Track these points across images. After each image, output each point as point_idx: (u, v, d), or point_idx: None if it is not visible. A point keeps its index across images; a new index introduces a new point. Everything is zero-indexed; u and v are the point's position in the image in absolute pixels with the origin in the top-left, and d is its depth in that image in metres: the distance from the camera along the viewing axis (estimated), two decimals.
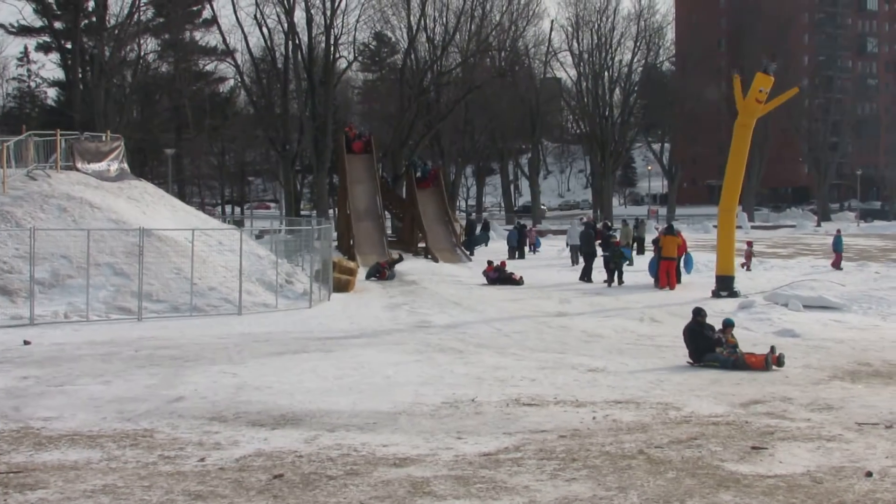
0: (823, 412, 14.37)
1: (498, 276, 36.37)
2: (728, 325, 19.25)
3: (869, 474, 10.87)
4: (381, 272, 36.96)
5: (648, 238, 49.38)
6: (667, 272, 35.17)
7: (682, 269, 36.84)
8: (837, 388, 16.38)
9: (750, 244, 46.68)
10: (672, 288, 34.68)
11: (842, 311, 27.18)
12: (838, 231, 45.88)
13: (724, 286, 31.65)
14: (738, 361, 18.10)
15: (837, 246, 41.97)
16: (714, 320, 20.30)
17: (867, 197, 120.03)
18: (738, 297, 30.34)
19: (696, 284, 34.50)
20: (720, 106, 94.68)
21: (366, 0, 78.37)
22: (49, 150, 32.69)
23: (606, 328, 24.54)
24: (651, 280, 35.92)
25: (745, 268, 42.04)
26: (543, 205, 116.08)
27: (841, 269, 40.43)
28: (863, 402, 15.12)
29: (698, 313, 19.58)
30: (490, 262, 38.38)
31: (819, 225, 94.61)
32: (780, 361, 18.08)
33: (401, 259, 39.20)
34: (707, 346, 18.80)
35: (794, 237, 72.25)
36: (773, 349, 18.64)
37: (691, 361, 18.91)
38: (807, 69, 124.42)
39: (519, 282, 35.86)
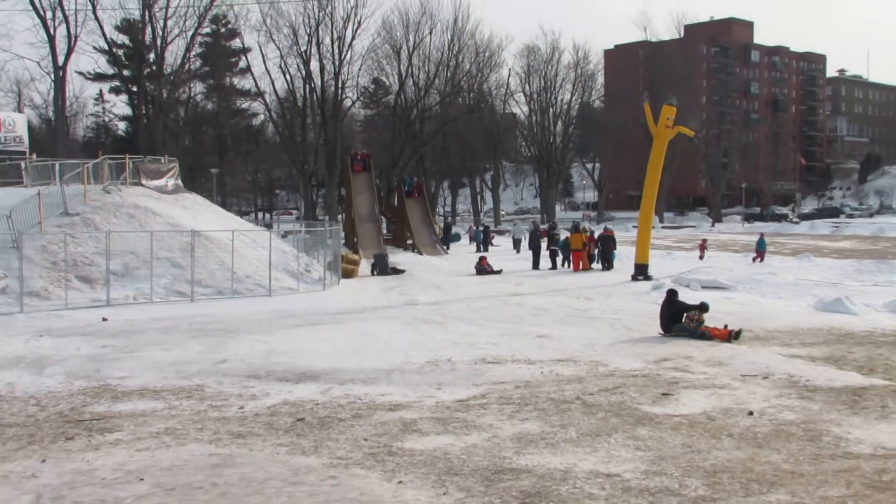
0: (716, 367, 14.46)
1: (485, 269, 35.90)
2: (703, 308, 19.08)
3: (750, 413, 10.99)
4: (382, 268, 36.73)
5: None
6: (579, 260, 36.60)
7: (597, 258, 37.34)
8: (727, 349, 16.45)
9: (704, 241, 46.98)
10: (586, 269, 36.08)
11: (730, 290, 27.30)
12: (761, 234, 45.92)
13: (641, 272, 31.71)
14: (704, 333, 17.94)
15: (761, 246, 41.98)
16: (639, 299, 20.36)
17: (749, 204, 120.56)
18: (651, 280, 30.38)
19: (620, 270, 34.53)
20: (638, 134, 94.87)
21: (366, 53, 79.31)
22: (120, 171, 32.62)
23: (551, 304, 24.59)
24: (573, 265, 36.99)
25: (700, 258, 42.27)
26: (502, 211, 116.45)
27: (763, 261, 40.32)
28: (746, 359, 15.20)
29: (672, 294, 19.48)
30: (483, 258, 37.75)
31: (713, 225, 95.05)
32: (738, 336, 17.96)
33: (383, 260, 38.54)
34: (677, 318, 18.70)
35: (695, 235, 72.33)
36: (728, 328, 18.47)
37: (662, 332, 18.62)
38: (704, 107, 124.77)
39: (498, 272, 35.60)
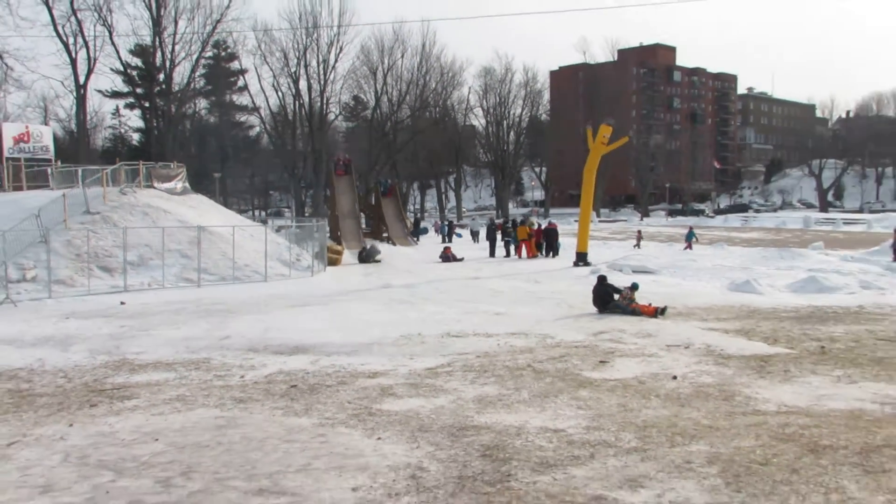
0: (645, 338, 14.57)
1: (449, 257, 36.07)
2: (634, 288, 19.18)
3: (674, 377, 11.06)
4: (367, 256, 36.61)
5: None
6: (523, 247, 37.01)
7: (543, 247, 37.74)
8: (654, 323, 16.58)
9: (639, 232, 47.26)
10: (530, 257, 36.39)
11: (657, 274, 27.47)
12: (690, 227, 46.33)
13: (581, 259, 31.90)
14: (635, 310, 17.97)
15: (689, 237, 42.31)
16: (580, 282, 20.46)
17: (672, 201, 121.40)
18: (591, 265, 30.53)
19: (564, 258, 34.72)
20: (578, 143, 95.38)
21: (346, 74, 79.65)
22: (134, 175, 32.46)
23: (505, 286, 24.66)
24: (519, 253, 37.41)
25: (636, 246, 42.49)
26: (464, 208, 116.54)
27: (691, 249, 40.45)
28: (670, 332, 15.33)
29: (602, 279, 19.55)
30: (448, 247, 38.17)
31: (642, 219, 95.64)
32: (664, 312, 18.06)
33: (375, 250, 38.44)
34: (608, 299, 18.78)
35: (627, 227, 72.82)
36: (653, 305, 18.63)
37: (598, 310, 18.63)
38: (634, 119, 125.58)
39: (460, 260, 35.67)
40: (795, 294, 22.39)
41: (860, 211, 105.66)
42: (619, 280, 21.03)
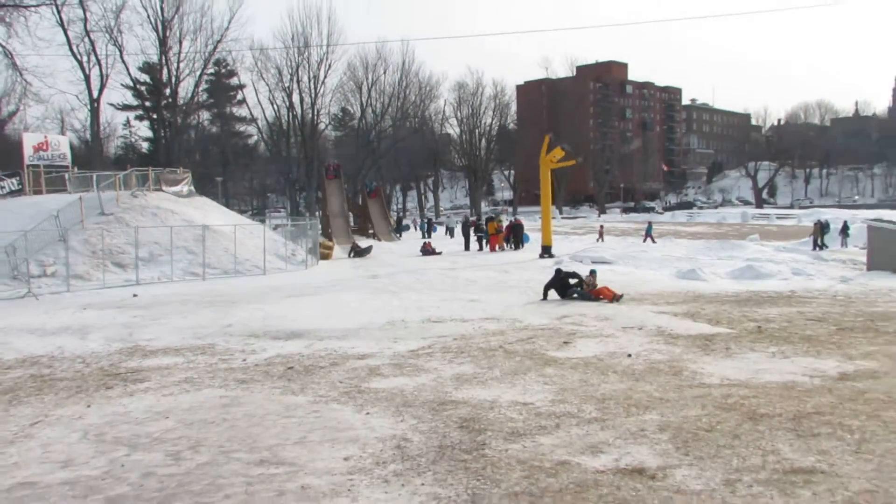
0: (603, 321, 14.63)
1: (429, 251, 36.00)
2: (592, 273, 19.24)
3: (629, 355, 11.12)
4: (360, 253, 36.40)
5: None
6: (495, 243, 37.06)
7: (513, 240, 37.90)
8: (611, 308, 16.66)
9: (602, 227, 47.50)
10: (496, 249, 36.53)
11: (613, 264, 27.58)
12: (649, 223, 46.58)
13: (546, 251, 31.98)
14: (598, 296, 18.00)
15: (648, 231, 42.53)
16: (545, 272, 20.47)
17: (626, 200, 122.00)
18: (554, 257, 30.61)
19: (530, 250, 34.82)
20: (542, 149, 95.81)
21: (335, 88, 79.34)
22: (144, 180, 32.23)
23: (479, 276, 24.67)
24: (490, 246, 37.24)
25: (600, 240, 42.64)
26: (441, 207, 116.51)
27: (655, 242, 40.55)
28: (625, 315, 15.40)
29: (559, 271, 19.57)
30: (427, 242, 38.10)
31: (599, 216, 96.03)
32: (619, 298, 18.02)
33: (370, 248, 38.20)
34: (567, 287, 18.81)
35: (587, 224, 73.07)
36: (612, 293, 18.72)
37: (560, 297, 18.66)
38: (591, 127, 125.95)
39: (439, 253, 35.59)
40: (735, 280, 22.57)
41: (791, 207, 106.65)
42: (579, 269, 21.07)
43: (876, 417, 7.33)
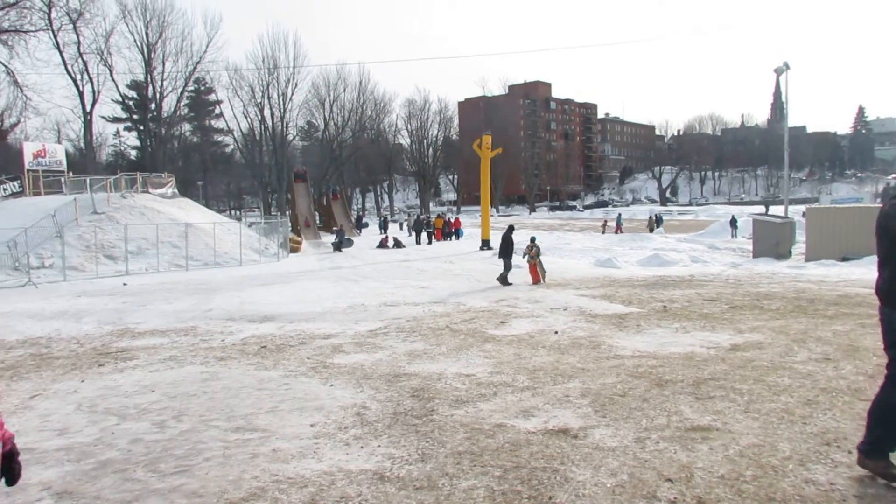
0: (534, 304, 14.71)
1: (386, 244, 35.65)
2: (532, 239, 19.42)
3: (556, 332, 11.16)
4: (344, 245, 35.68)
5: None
6: (440, 236, 38.91)
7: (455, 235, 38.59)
8: (540, 292, 16.78)
9: (530, 236, 48.10)
10: (438, 240, 38.29)
11: (542, 254, 27.83)
12: (619, 214, 47.11)
13: (485, 244, 32.23)
14: (530, 266, 18.16)
15: (619, 221, 43.01)
16: (484, 262, 20.51)
17: (552, 199, 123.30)
18: (492, 249, 30.75)
19: (469, 242, 34.91)
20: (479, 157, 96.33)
21: (301, 104, 79.52)
22: (133, 183, 31.78)
23: (428, 266, 24.65)
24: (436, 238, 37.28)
25: (602, 232, 43.02)
26: (396, 207, 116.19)
27: (622, 232, 40.63)
28: (553, 297, 15.52)
29: (511, 228, 19.74)
30: (384, 237, 37.74)
31: (530, 213, 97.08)
32: (543, 279, 18.25)
33: (349, 242, 37.22)
34: (510, 248, 18.79)
35: (519, 220, 73.58)
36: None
37: (500, 258, 18.74)
38: (522, 137, 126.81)
39: (402, 246, 35.22)
40: (644, 267, 22.93)
41: (690, 204, 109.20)
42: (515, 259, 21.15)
43: (762, 382, 7.49)
